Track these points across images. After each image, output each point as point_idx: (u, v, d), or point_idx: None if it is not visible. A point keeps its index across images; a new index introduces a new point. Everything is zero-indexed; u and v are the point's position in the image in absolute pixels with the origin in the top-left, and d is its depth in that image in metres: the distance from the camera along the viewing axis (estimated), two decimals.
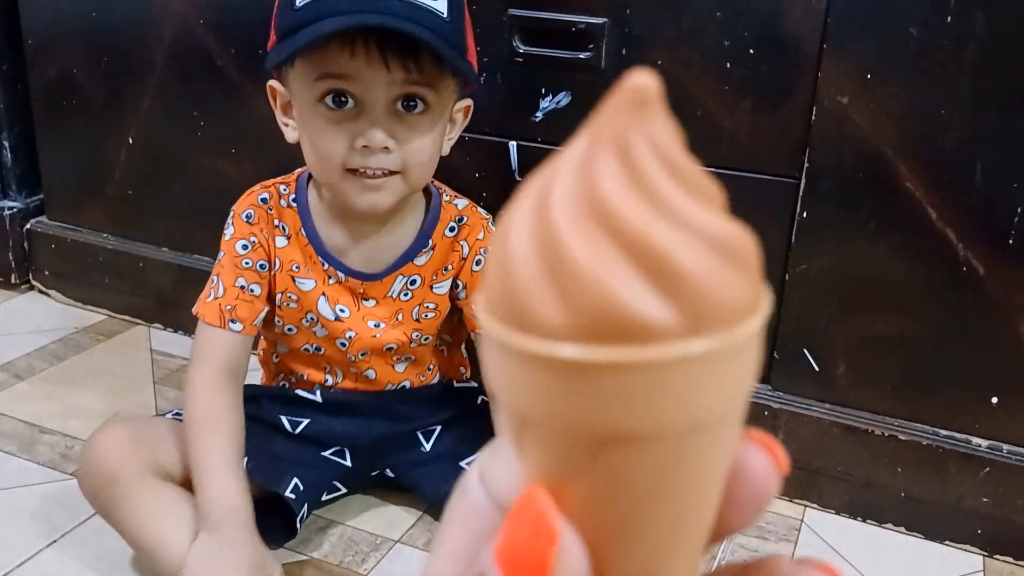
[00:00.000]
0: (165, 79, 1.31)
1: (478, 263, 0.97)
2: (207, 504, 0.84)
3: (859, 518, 1.05)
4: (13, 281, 1.52)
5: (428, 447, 1.03)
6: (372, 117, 0.83)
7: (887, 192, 0.95)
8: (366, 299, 0.97)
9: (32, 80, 1.43)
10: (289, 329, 0.98)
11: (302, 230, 0.95)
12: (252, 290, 0.94)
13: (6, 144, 1.49)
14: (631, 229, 0.18)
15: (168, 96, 1.32)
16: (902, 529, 1.03)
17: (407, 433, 1.03)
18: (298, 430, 1.01)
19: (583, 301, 0.17)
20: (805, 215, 0.99)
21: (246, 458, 0.91)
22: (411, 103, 0.84)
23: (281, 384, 1.04)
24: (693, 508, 0.20)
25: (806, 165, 0.98)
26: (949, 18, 0.88)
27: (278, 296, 0.96)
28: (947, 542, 1.01)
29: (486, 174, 1.13)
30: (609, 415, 0.18)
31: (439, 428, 1.04)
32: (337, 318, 0.96)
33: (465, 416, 1.01)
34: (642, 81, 0.19)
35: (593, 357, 0.17)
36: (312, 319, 0.96)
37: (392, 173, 0.86)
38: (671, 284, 0.18)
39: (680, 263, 0.18)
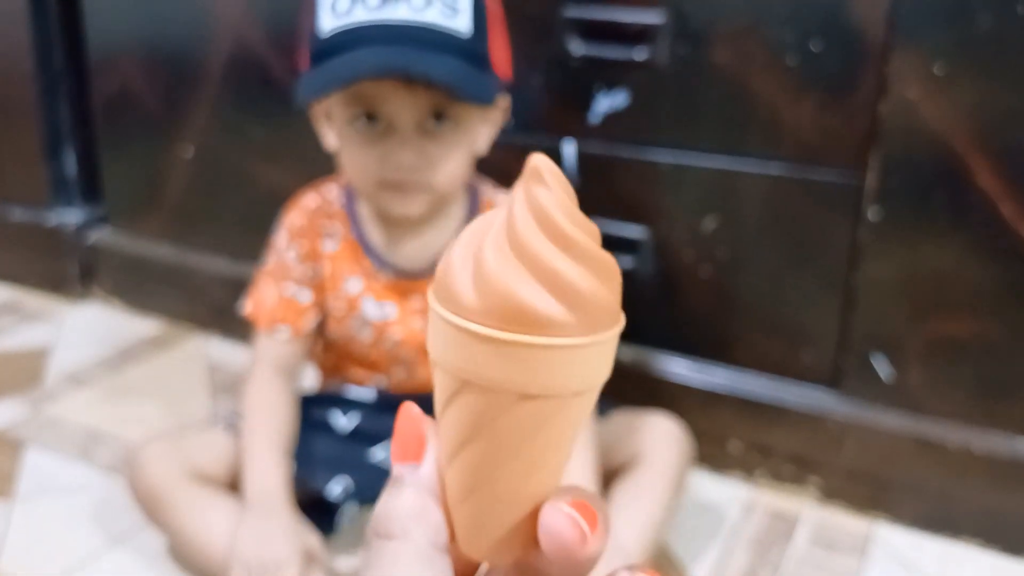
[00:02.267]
0: (222, 91, 1.32)
1: None
2: (249, 487, 0.88)
3: (933, 531, 1.00)
4: (76, 291, 1.54)
5: None
6: (401, 137, 0.86)
7: (959, 189, 0.91)
8: (411, 299, 0.97)
9: (94, 94, 1.45)
10: (339, 331, 0.99)
11: (351, 232, 0.96)
12: (301, 296, 0.97)
13: (70, 157, 1.52)
14: (539, 257, 0.27)
15: (225, 107, 1.33)
16: (979, 542, 0.98)
17: None
18: (348, 429, 1.01)
19: (490, 295, 0.27)
20: (874, 213, 0.95)
21: (295, 463, 0.93)
22: (439, 117, 0.87)
23: (334, 386, 1.05)
24: (554, 446, 0.29)
25: (875, 162, 0.95)
26: (1019, 8, 0.85)
27: (328, 299, 0.97)
28: None
29: None
30: (522, 377, 0.27)
31: None
32: (384, 318, 0.97)
33: None
34: (540, 162, 0.28)
35: (495, 335, 0.27)
36: (360, 320, 0.97)
37: (423, 187, 0.89)
38: (570, 297, 0.27)
39: (576, 283, 0.27)
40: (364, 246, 0.96)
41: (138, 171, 1.46)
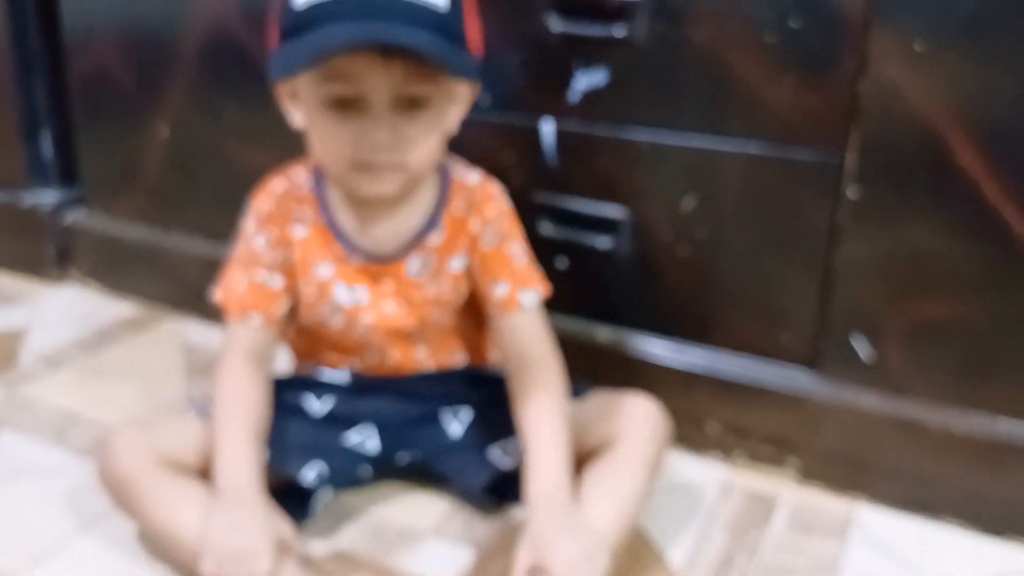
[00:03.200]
0: (198, 70, 1.30)
1: (486, 240, 0.95)
2: (220, 476, 0.86)
3: (913, 512, 1.00)
4: (52, 272, 1.52)
5: (456, 434, 1.01)
6: (375, 116, 0.84)
7: (940, 168, 0.90)
8: (382, 282, 0.96)
9: (70, 75, 1.43)
10: (310, 316, 0.98)
11: (320, 216, 0.95)
12: (272, 282, 0.95)
13: (46, 138, 1.50)
14: None
15: (201, 87, 1.31)
16: (959, 523, 0.98)
17: (433, 415, 1.02)
18: (323, 413, 1.00)
19: None
20: (854, 193, 0.95)
21: (268, 449, 0.91)
22: (413, 98, 0.85)
23: (308, 369, 1.04)
24: None
25: (855, 141, 0.93)
26: None
27: (299, 284, 0.96)
28: (1006, 535, 0.96)
29: (518, 159, 1.10)
30: None
31: (467, 414, 1.02)
32: (355, 303, 0.96)
33: (493, 403, 0.99)
34: None
35: None
36: (331, 305, 0.96)
37: (396, 166, 0.87)
38: None
39: None
40: (334, 230, 0.95)
41: (115, 152, 1.44)
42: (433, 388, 1.02)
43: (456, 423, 1.02)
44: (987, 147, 0.88)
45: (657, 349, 1.09)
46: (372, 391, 1.01)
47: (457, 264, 0.96)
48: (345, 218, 0.95)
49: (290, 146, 1.11)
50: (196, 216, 1.39)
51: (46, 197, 1.51)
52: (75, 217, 1.50)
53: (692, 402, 1.08)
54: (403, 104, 0.84)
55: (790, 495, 1.03)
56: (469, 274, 0.97)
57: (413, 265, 0.95)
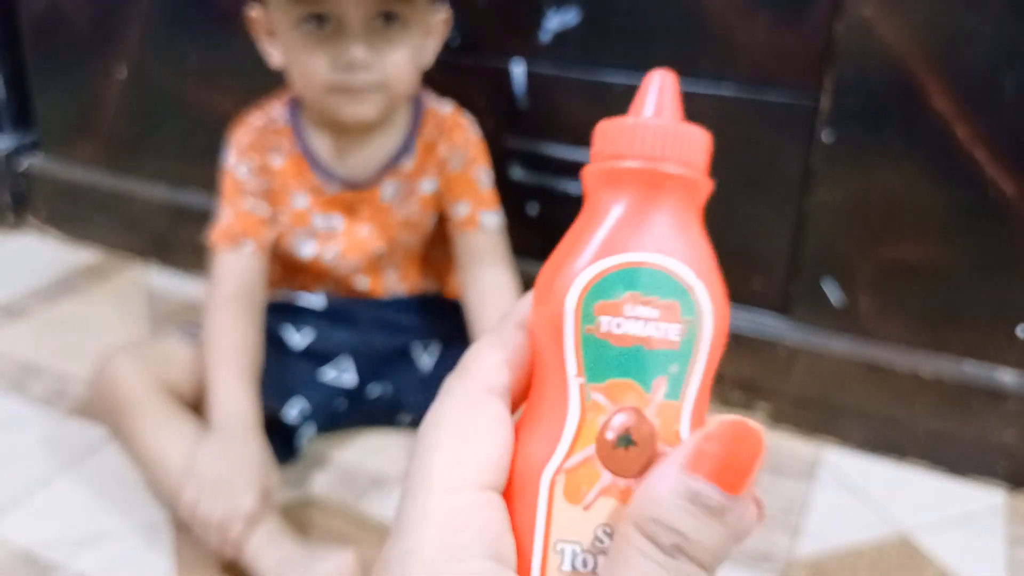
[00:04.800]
0: (156, 9, 1.26)
1: (454, 164, 0.98)
2: (217, 410, 0.86)
3: (880, 453, 1.01)
4: (8, 220, 1.48)
5: (426, 368, 1.02)
6: (351, 34, 0.86)
7: (913, 111, 0.90)
8: (358, 210, 0.97)
9: (22, 14, 1.38)
10: (284, 244, 0.99)
11: (296, 146, 0.96)
12: (259, 209, 0.96)
13: None
14: None
15: (160, 27, 1.27)
16: (925, 464, 0.99)
17: (405, 348, 1.03)
18: (301, 346, 1.01)
19: None
20: (827, 136, 0.94)
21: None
22: (387, 18, 0.87)
23: (284, 295, 1.05)
24: None
25: (829, 83, 0.92)
26: None
27: (277, 213, 0.97)
28: (970, 475, 0.98)
29: (488, 102, 1.08)
30: None
31: (437, 348, 1.03)
32: (329, 230, 0.98)
33: (462, 337, 0.99)
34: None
35: None
36: (306, 233, 0.98)
37: (374, 87, 0.89)
38: None
39: None
40: (310, 160, 0.96)
41: (71, 95, 1.40)
42: (406, 318, 1.03)
43: (426, 356, 1.03)
44: (961, 90, 0.88)
45: None
46: (347, 319, 1.02)
47: (427, 187, 0.98)
48: (321, 147, 0.96)
49: (254, 89, 1.08)
50: (158, 162, 1.36)
51: (0, 142, 1.46)
52: (31, 163, 1.46)
53: None
54: (378, 23, 0.86)
55: None
56: (437, 199, 0.99)
57: (387, 190, 0.97)
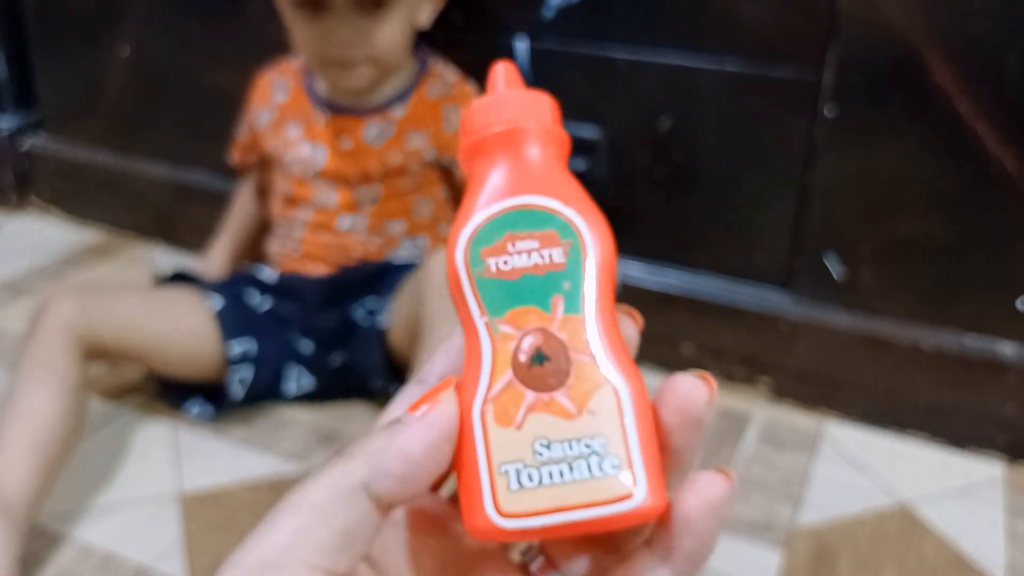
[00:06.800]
0: None
1: (451, 125, 1.03)
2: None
3: (881, 427, 1.02)
4: (11, 200, 1.49)
5: (363, 321, 1.02)
6: (340, 14, 0.92)
7: (916, 86, 0.90)
8: (341, 139, 1.02)
9: None
10: (273, 158, 1.06)
11: (302, 83, 1.04)
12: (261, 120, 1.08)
13: (0, 59, 1.45)
14: None
15: (161, 5, 1.27)
16: (926, 436, 1.00)
17: (348, 316, 1.02)
18: (263, 309, 1.03)
19: None
20: (831, 111, 0.94)
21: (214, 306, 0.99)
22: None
23: (245, 266, 1.10)
24: None
25: (833, 58, 0.93)
26: None
27: (267, 141, 1.06)
28: (971, 447, 0.99)
29: None
30: None
31: (373, 302, 1.02)
32: (312, 155, 1.03)
33: (397, 289, 1.00)
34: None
35: None
36: (292, 159, 1.03)
37: (364, 60, 0.95)
38: None
39: None
40: (311, 95, 1.04)
41: (74, 74, 1.40)
42: (345, 292, 1.03)
43: (361, 310, 1.02)
44: (963, 66, 0.88)
45: (632, 270, 1.10)
46: (293, 297, 1.03)
47: (418, 142, 1.02)
48: (322, 87, 1.04)
49: (258, 66, 1.08)
50: (162, 140, 1.36)
51: (3, 122, 1.46)
52: (34, 142, 1.46)
53: (667, 323, 1.08)
54: (367, 3, 0.91)
55: (762, 412, 1.05)
56: (428, 159, 1.03)
57: (372, 131, 1.02)
